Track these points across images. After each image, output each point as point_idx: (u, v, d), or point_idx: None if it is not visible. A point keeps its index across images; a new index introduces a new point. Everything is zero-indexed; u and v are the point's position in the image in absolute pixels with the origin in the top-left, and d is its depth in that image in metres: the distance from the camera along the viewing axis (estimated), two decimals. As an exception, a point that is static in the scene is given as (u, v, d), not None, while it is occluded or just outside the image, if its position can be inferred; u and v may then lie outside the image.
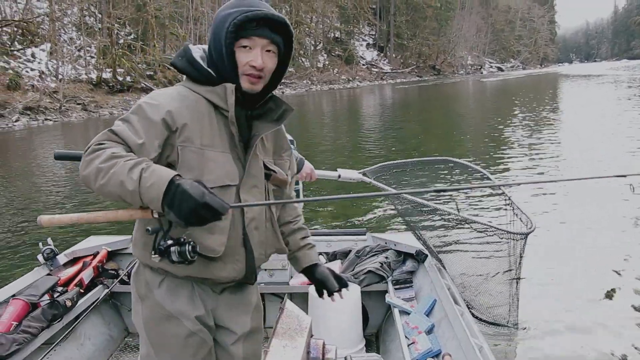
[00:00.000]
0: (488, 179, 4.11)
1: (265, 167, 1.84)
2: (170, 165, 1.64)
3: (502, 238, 3.44)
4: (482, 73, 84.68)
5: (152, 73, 37.39)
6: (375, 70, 67.65)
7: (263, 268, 3.56)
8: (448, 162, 4.32)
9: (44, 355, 2.90)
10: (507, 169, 10.98)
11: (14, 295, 2.99)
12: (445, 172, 4.33)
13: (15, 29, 32.39)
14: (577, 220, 7.37)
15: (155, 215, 1.54)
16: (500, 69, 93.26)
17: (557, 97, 32.79)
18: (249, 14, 1.66)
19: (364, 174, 4.00)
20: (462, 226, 3.59)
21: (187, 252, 1.56)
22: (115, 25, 38.45)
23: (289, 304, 2.45)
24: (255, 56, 1.69)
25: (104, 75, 33.26)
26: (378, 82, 62.57)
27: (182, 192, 1.43)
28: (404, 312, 3.19)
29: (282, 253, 1.99)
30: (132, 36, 40.45)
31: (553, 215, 7.69)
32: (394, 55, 72.09)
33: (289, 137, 3.63)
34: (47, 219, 1.46)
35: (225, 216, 1.49)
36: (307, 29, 60.13)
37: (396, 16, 71.93)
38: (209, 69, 1.73)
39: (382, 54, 72.20)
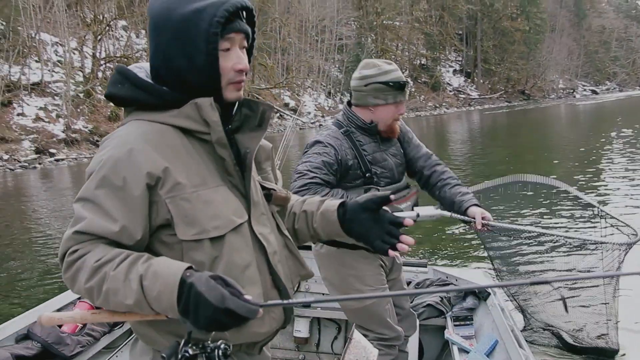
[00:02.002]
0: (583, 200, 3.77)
1: (262, 187, 1.53)
2: (163, 227, 1.33)
3: (601, 251, 3.22)
4: (574, 97, 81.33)
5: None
6: (463, 96, 66.62)
7: (319, 292, 3.48)
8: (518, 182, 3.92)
9: None
10: (603, 195, 10.34)
11: (80, 298, 3.08)
12: (524, 192, 3.99)
13: (117, 64, 34.79)
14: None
15: (171, 316, 1.25)
16: (594, 92, 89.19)
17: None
18: (229, 6, 1.32)
19: (441, 208, 3.46)
20: (556, 246, 3.33)
21: (218, 359, 1.25)
22: (207, 58, 40.36)
23: (357, 335, 2.43)
24: (238, 57, 1.37)
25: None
26: (465, 108, 61.50)
27: (196, 296, 1.14)
28: (463, 350, 3.08)
29: (307, 278, 1.65)
30: (222, 68, 42.23)
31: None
32: (481, 80, 70.80)
33: None
34: (47, 318, 1.23)
35: (254, 314, 1.16)
36: (392, 56, 60.38)
37: (483, 41, 70.80)
38: (164, 88, 1.38)
39: (469, 80, 71.10)
